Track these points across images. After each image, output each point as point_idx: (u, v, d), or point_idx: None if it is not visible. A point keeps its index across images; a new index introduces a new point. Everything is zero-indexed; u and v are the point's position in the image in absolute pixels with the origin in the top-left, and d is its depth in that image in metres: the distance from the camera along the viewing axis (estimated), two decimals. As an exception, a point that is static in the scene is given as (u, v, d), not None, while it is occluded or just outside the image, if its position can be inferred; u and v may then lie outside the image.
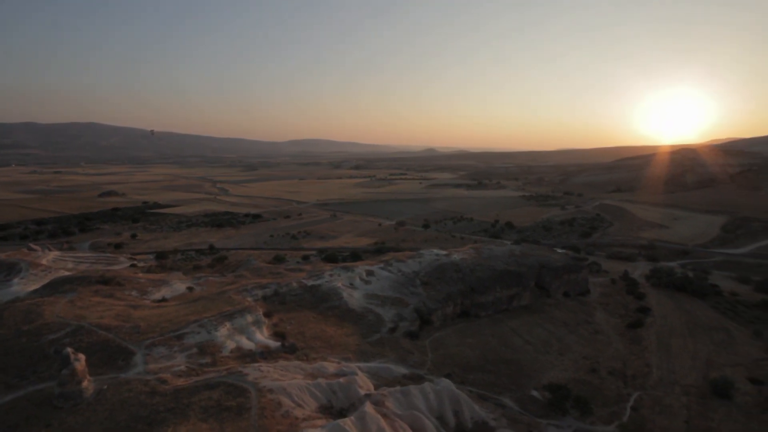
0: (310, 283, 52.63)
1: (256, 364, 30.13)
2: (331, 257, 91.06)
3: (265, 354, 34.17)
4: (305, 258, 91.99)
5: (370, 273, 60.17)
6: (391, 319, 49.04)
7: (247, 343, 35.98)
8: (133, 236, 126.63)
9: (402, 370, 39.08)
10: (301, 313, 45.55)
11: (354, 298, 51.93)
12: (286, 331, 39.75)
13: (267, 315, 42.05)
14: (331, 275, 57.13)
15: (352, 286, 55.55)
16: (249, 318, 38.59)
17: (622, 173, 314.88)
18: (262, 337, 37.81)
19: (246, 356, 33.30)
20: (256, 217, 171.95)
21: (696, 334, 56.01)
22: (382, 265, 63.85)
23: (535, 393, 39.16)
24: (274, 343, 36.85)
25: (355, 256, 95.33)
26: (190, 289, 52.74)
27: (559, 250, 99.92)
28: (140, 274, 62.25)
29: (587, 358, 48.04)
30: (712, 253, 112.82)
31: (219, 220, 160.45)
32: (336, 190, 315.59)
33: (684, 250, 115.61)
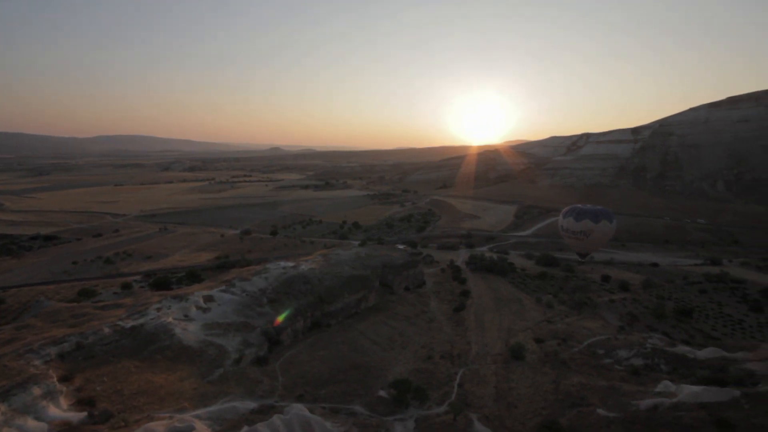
0: (129, 324, 44.07)
1: (48, 455, 23.51)
2: (161, 282, 78.73)
3: (64, 434, 27.04)
4: (126, 287, 76.88)
5: (208, 299, 54.33)
6: (236, 349, 45.39)
7: (35, 426, 27.73)
8: None
9: (250, 404, 36.60)
10: (117, 365, 37.71)
11: (189, 332, 45.95)
12: (96, 395, 32.30)
13: (66, 379, 33.32)
14: (158, 309, 49.22)
15: (187, 317, 49.12)
16: (36, 390, 29.81)
17: (446, 171, 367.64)
18: (59, 411, 29.76)
19: (32, 445, 25.65)
20: (50, 239, 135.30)
21: (501, 308, 69.70)
22: (223, 287, 58.47)
23: (382, 393, 42.04)
24: (77, 415, 29.45)
25: (193, 276, 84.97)
26: (-69, 362, 37.58)
27: (400, 246, 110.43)
28: None
29: (424, 346, 54.28)
30: (509, 236, 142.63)
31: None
32: (166, 198, 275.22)
33: (491, 236, 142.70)
